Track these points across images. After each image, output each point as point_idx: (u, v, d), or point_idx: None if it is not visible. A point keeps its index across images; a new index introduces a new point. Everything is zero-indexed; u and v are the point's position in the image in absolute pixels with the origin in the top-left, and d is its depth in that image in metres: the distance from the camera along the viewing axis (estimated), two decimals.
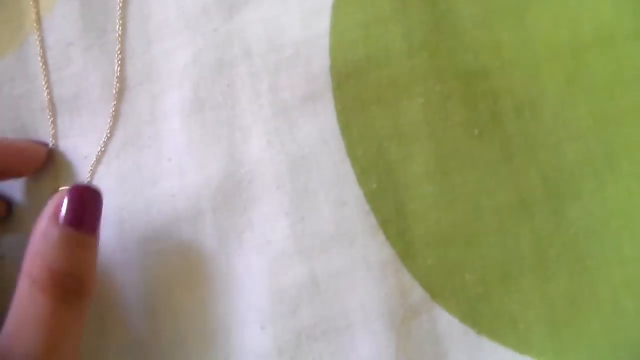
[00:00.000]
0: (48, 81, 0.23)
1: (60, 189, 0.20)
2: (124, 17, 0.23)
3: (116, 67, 0.23)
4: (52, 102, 0.23)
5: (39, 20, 0.23)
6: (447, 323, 0.23)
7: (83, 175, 0.23)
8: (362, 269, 0.22)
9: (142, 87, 0.23)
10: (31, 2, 0.23)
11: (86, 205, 0.19)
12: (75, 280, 0.18)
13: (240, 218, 0.22)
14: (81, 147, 0.23)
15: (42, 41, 0.23)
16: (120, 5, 0.23)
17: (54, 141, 0.23)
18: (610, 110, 0.23)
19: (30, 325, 0.17)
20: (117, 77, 0.23)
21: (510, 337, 0.23)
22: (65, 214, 0.18)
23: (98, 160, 0.23)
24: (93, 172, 0.22)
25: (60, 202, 0.19)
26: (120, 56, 0.23)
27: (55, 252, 0.18)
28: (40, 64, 0.23)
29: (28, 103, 0.23)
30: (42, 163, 0.22)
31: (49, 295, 0.17)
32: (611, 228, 0.23)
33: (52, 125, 0.23)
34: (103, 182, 0.23)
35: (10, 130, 0.23)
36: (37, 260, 0.18)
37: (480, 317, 0.23)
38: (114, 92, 0.23)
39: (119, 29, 0.23)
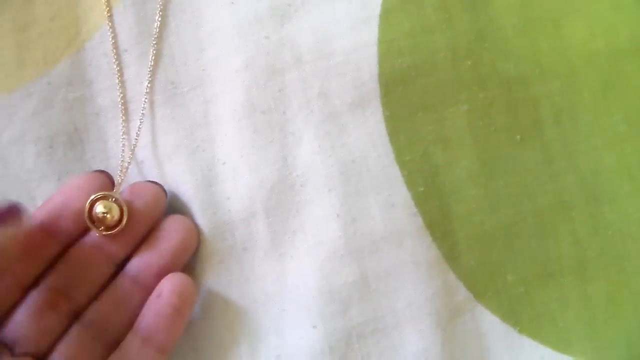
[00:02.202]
0: (104, 86, 0.24)
1: None
2: (177, 25, 0.24)
3: (169, 72, 0.23)
4: (107, 107, 0.24)
5: (96, 27, 0.24)
6: (490, 322, 0.24)
7: (141, 179, 0.23)
8: (410, 269, 0.23)
9: (195, 92, 0.23)
10: (89, 11, 0.24)
11: None
12: None
13: (292, 220, 0.23)
14: (137, 151, 0.23)
15: (99, 47, 0.23)
16: (174, 12, 0.24)
17: (121, 177, 0.23)
18: None
19: None
20: (170, 82, 0.23)
21: (550, 336, 0.24)
22: None
23: (153, 164, 0.23)
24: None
25: None
26: (173, 62, 0.23)
27: None
28: (97, 70, 0.24)
29: (82, 107, 0.24)
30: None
31: None
32: None
33: (122, 130, 0.23)
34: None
35: (63, 132, 0.24)
36: None
37: (521, 317, 0.24)
38: (168, 97, 0.23)
39: (172, 35, 0.23)
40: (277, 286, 0.23)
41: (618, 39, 0.24)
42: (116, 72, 0.24)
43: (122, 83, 0.24)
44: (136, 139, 0.23)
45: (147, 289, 0.22)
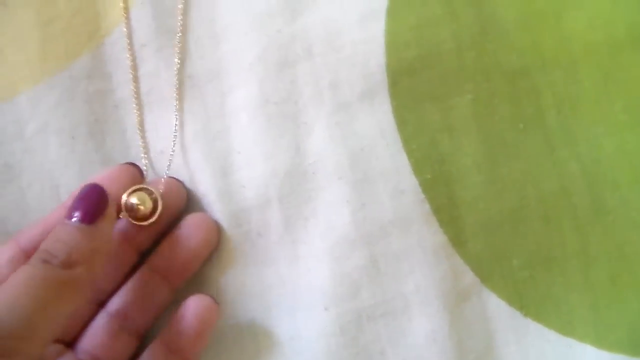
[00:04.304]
0: (123, 79, 0.25)
1: None
2: (193, 20, 0.25)
3: (186, 66, 0.24)
4: (126, 100, 0.25)
5: (115, 23, 0.25)
6: (496, 305, 0.24)
7: (160, 169, 0.24)
8: (418, 254, 0.24)
9: (211, 84, 0.24)
10: (108, 7, 0.25)
11: (88, 201, 0.21)
12: (65, 260, 0.19)
13: (305, 206, 0.24)
14: (155, 142, 0.24)
15: (118, 42, 0.25)
16: (190, 8, 0.25)
17: (146, 167, 0.24)
18: None
19: (8, 290, 0.18)
20: (187, 76, 0.24)
21: (554, 319, 0.25)
22: (71, 208, 0.21)
23: (171, 154, 0.24)
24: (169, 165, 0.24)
25: (72, 199, 0.21)
26: (190, 56, 0.24)
27: (56, 238, 0.20)
28: (116, 64, 0.25)
29: (102, 99, 0.25)
30: (140, 184, 0.23)
31: (38, 269, 0.19)
32: None
33: (137, 120, 0.24)
34: (177, 175, 0.24)
35: (84, 123, 0.25)
36: (42, 246, 0.20)
37: (526, 300, 0.24)
38: (185, 89, 0.24)
39: (189, 30, 0.24)
40: (290, 270, 0.24)
41: (617, 30, 0.25)
42: (134, 66, 0.25)
43: (140, 76, 0.25)
44: (154, 130, 0.24)
45: (170, 284, 0.23)
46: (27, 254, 0.22)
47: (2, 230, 0.24)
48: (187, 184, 0.24)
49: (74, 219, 0.20)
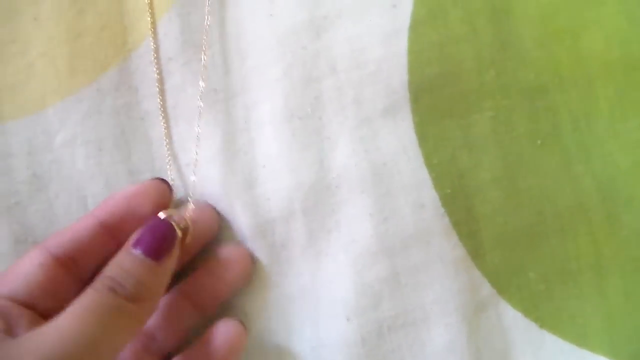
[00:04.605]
0: (149, 93, 0.25)
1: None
2: (219, 35, 0.25)
3: (213, 80, 0.25)
4: (152, 113, 0.25)
5: (142, 37, 0.25)
6: (512, 317, 0.25)
7: (186, 182, 0.25)
8: (437, 266, 0.24)
9: (236, 98, 0.25)
10: (135, 22, 0.25)
11: (156, 236, 0.21)
12: (133, 294, 0.20)
13: (329, 219, 0.24)
14: (180, 155, 0.25)
15: (145, 56, 0.25)
16: (216, 24, 0.25)
17: (173, 179, 0.24)
18: None
19: (77, 314, 0.19)
20: (213, 89, 0.25)
21: (569, 331, 0.25)
22: (137, 241, 0.21)
23: (196, 167, 0.25)
24: (195, 181, 0.24)
25: (140, 230, 0.21)
26: (216, 70, 0.25)
27: (118, 267, 0.20)
28: (142, 77, 0.25)
29: (129, 112, 0.25)
30: (169, 200, 0.24)
31: (106, 297, 0.19)
32: None
33: (165, 134, 0.25)
34: (202, 187, 0.25)
35: (111, 135, 0.25)
36: (107, 272, 0.20)
37: (542, 312, 0.25)
38: (210, 103, 0.25)
39: (215, 45, 0.25)
40: (313, 281, 0.24)
41: (633, 49, 0.26)
42: (161, 80, 0.25)
43: (167, 90, 0.25)
44: (180, 143, 0.25)
45: (201, 311, 0.24)
46: (57, 260, 0.22)
47: (30, 239, 0.25)
48: (213, 196, 0.25)
49: (138, 250, 0.21)
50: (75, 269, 0.22)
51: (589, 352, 0.25)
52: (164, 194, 0.24)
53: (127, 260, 0.21)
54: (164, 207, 0.23)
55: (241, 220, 0.24)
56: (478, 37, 0.25)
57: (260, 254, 0.24)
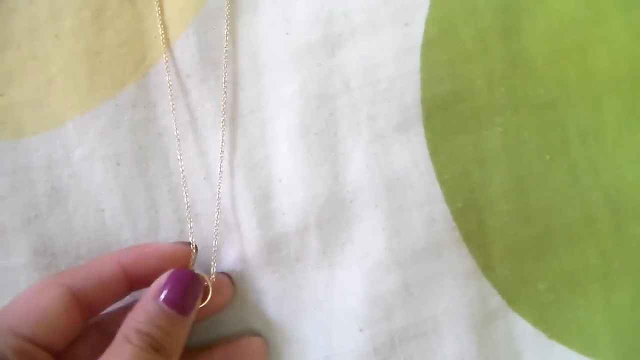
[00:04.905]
0: (167, 109, 0.26)
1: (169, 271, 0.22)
2: (236, 53, 0.26)
3: (229, 96, 0.26)
4: (170, 128, 0.26)
5: (160, 54, 0.26)
6: (522, 328, 0.26)
7: (205, 195, 0.25)
8: (448, 278, 0.25)
9: (253, 114, 0.25)
10: (153, 39, 0.26)
11: (184, 290, 0.22)
12: (161, 347, 0.20)
13: (343, 233, 0.25)
14: (197, 170, 0.25)
15: (163, 73, 0.26)
16: (233, 41, 0.26)
17: (194, 241, 0.25)
18: None
19: None
20: (229, 106, 0.26)
21: (577, 341, 0.26)
22: (165, 294, 0.21)
23: (214, 181, 0.25)
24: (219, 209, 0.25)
25: (163, 282, 0.22)
26: (232, 87, 0.26)
27: (150, 322, 0.21)
28: (160, 93, 0.26)
29: (147, 127, 0.26)
30: (188, 263, 0.24)
31: (134, 349, 0.20)
32: None
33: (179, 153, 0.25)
34: (217, 201, 0.25)
35: (129, 150, 0.26)
36: (133, 324, 0.21)
37: (551, 323, 0.26)
38: (227, 118, 0.26)
39: (232, 62, 0.26)
40: (327, 293, 0.25)
41: (639, 65, 0.26)
42: (178, 96, 0.26)
43: (184, 106, 0.26)
44: (197, 158, 0.26)
45: None
46: (77, 300, 0.22)
47: (49, 251, 0.25)
48: (229, 210, 0.25)
49: (169, 307, 0.21)
50: (88, 310, 0.22)
51: None
52: (186, 257, 0.24)
53: (162, 318, 0.21)
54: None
55: (257, 233, 0.25)
56: (489, 55, 0.26)
57: (275, 266, 0.25)
